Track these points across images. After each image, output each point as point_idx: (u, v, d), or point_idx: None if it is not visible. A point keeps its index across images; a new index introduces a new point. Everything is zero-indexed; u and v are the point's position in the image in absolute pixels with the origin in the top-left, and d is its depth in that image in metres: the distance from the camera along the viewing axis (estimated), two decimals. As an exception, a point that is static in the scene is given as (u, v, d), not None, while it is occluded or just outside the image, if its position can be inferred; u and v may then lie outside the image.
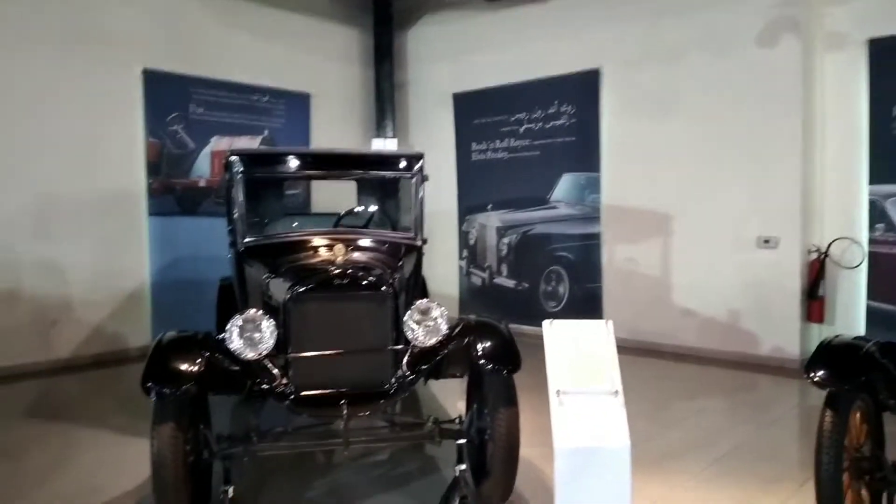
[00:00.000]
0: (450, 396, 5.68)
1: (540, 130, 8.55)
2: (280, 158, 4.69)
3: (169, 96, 7.86)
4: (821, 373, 2.83)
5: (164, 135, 7.86)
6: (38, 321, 6.90)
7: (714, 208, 7.21)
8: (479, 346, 3.42)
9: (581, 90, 8.14)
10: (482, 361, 3.40)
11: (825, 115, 6.84)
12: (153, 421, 3.09)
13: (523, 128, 8.70)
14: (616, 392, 2.97)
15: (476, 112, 9.16)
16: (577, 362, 3.05)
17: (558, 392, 2.96)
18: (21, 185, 6.79)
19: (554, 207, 8.45)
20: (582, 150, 8.18)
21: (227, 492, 3.30)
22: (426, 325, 3.48)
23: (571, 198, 8.31)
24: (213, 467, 3.50)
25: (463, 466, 3.55)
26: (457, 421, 3.66)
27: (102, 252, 7.35)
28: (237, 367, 3.40)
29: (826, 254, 6.76)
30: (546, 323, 3.10)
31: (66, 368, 6.97)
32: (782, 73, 6.71)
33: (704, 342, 7.31)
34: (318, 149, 5.40)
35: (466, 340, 3.51)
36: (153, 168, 7.78)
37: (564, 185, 8.37)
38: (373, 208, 5.75)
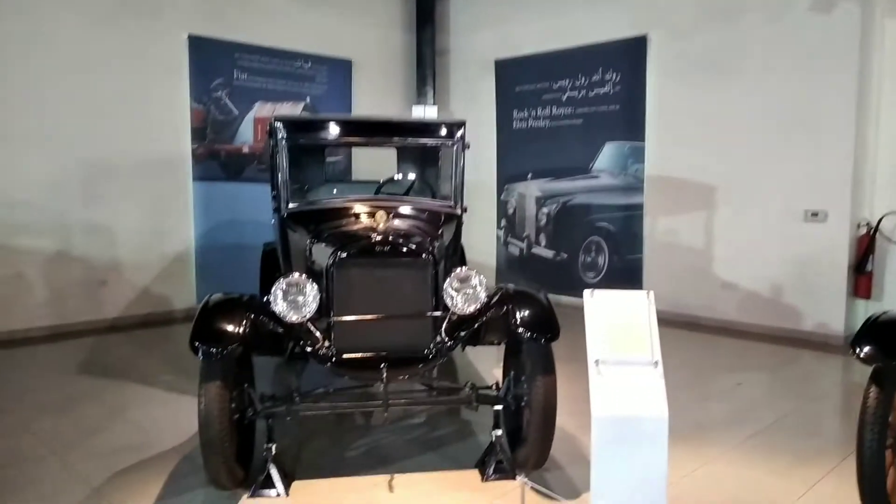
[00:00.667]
0: (485, 364, 5.74)
1: (583, 98, 8.41)
2: (323, 125, 4.71)
3: (213, 62, 7.94)
4: (867, 348, 2.78)
5: (208, 101, 7.97)
6: (88, 282, 7.14)
7: (761, 180, 7.04)
8: (518, 315, 3.44)
9: (627, 57, 7.96)
10: (521, 330, 3.41)
11: (882, 85, 6.58)
12: (200, 379, 3.19)
13: (566, 95, 8.58)
14: (656, 363, 2.96)
15: (518, 79, 9.05)
16: (618, 332, 3.04)
17: (597, 362, 2.96)
18: (71, 149, 6.97)
19: (595, 177, 8.35)
20: (626, 119, 8.04)
21: (270, 449, 3.42)
22: (465, 292, 3.50)
23: (614, 167, 8.20)
24: (255, 425, 3.62)
25: (499, 432, 3.62)
26: (494, 387, 3.71)
27: (149, 215, 7.54)
28: (280, 330, 3.48)
29: (876, 229, 6.57)
30: (587, 292, 3.09)
31: (115, 328, 7.23)
32: (839, 38, 6.46)
33: (746, 316, 7.21)
34: (361, 116, 5.41)
35: (505, 309, 3.53)
36: (198, 134, 7.90)
37: (607, 155, 8.25)
38: (412, 176, 5.76)
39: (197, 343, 3.17)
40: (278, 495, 3.38)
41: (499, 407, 3.62)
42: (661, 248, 7.85)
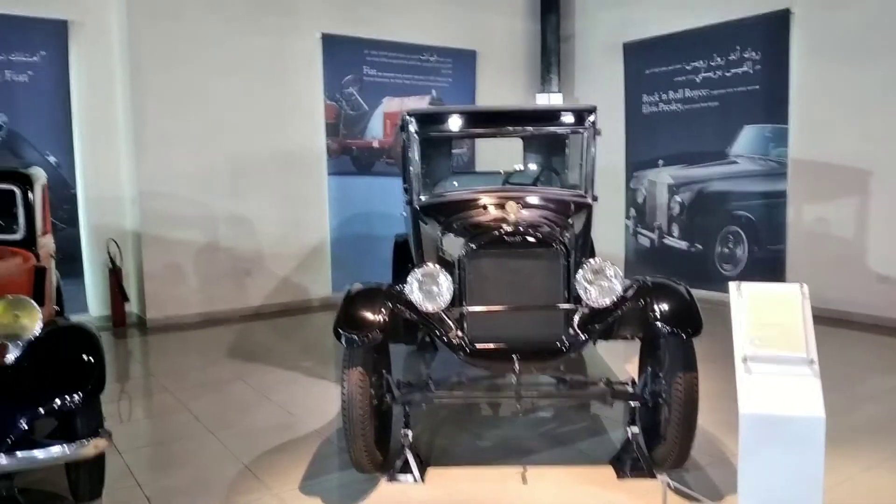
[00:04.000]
0: (614, 358, 5.60)
1: (719, 79, 7.97)
2: (454, 117, 4.75)
3: (345, 59, 8.23)
4: None
5: (340, 97, 8.27)
6: (234, 272, 7.64)
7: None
8: (657, 308, 3.31)
9: (767, 34, 7.46)
10: (660, 323, 3.29)
11: None
12: (343, 365, 3.32)
13: (700, 77, 8.17)
14: (811, 360, 2.76)
15: (648, 61, 8.72)
16: (767, 328, 2.86)
17: (745, 358, 2.81)
18: (217, 146, 7.47)
19: (733, 162, 7.90)
20: (767, 100, 7.54)
21: (407, 435, 3.51)
22: (600, 284, 3.42)
23: (753, 152, 7.72)
24: (392, 411, 3.73)
25: (635, 429, 3.51)
26: (629, 383, 3.61)
27: (288, 208, 7.95)
28: (416, 319, 3.56)
29: None
30: (733, 285, 2.93)
31: (258, 315, 7.69)
32: None
33: (907, 312, 6.58)
34: (490, 106, 5.42)
35: (642, 302, 3.41)
36: (331, 129, 8.23)
37: (746, 138, 7.78)
38: (533, 166, 5.71)
39: (341, 330, 3.29)
40: (415, 481, 3.47)
41: (635, 403, 3.51)
42: (806, 239, 7.31)
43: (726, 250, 8.00)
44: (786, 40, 7.29)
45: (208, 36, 7.33)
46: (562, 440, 4.05)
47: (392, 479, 3.48)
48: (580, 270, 3.44)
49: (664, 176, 8.59)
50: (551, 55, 9.56)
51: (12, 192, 4.17)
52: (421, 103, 8.73)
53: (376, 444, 3.44)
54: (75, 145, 7.02)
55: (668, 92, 8.54)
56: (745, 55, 7.71)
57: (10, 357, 3.05)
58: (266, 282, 7.86)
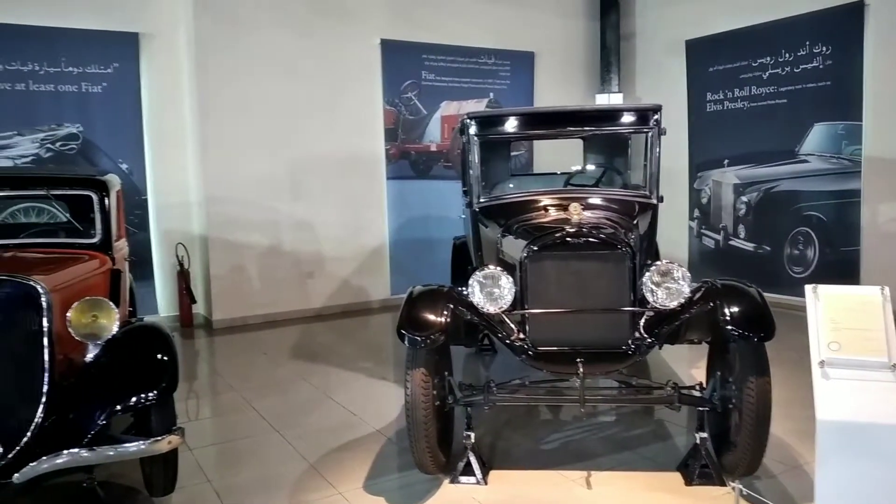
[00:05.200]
0: (678, 362, 5.47)
1: (787, 76, 7.71)
2: (514, 119, 4.73)
3: (403, 64, 8.31)
4: None
5: (399, 102, 8.35)
6: (296, 274, 7.79)
7: None
8: (728, 311, 3.21)
9: (839, 28, 7.17)
10: (730, 327, 3.18)
11: None
12: (406, 366, 3.34)
13: (767, 73, 7.91)
14: (894, 365, 2.64)
15: (712, 59, 8.50)
16: (845, 332, 2.75)
17: (822, 363, 2.70)
18: (280, 151, 7.63)
19: (803, 161, 7.61)
20: (839, 97, 7.24)
21: (469, 437, 3.51)
22: (667, 286, 3.34)
23: (825, 150, 7.42)
24: (453, 413, 3.73)
25: (704, 435, 3.42)
26: (697, 388, 3.52)
27: (348, 212, 8.06)
28: (477, 320, 3.55)
29: None
30: (808, 288, 2.82)
31: (319, 317, 7.82)
32: None
33: None
34: (553, 107, 5.37)
35: (711, 304, 3.32)
36: (390, 134, 8.31)
37: (816, 136, 7.49)
38: (591, 167, 5.63)
39: (404, 331, 3.31)
40: (477, 483, 3.46)
41: (704, 409, 3.42)
42: (883, 240, 6.98)
43: (796, 252, 7.72)
44: (859, 33, 6.99)
45: (271, 45, 7.50)
46: (625, 445, 3.98)
47: (455, 480, 3.49)
48: (647, 273, 3.37)
49: (730, 176, 8.35)
50: (611, 55, 9.42)
51: (90, 197, 4.35)
52: (478, 106, 8.72)
53: (439, 445, 3.45)
54: (146, 153, 7.29)
55: (733, 90, 8.31)
56: (815, 50, 7.43)
57: (90, 356, 3.18)
58: (327, 284, 7.99)
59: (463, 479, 3.48)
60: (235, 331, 7.27)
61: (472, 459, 3.50)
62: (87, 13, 6.88)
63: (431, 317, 3.34)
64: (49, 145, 6.84)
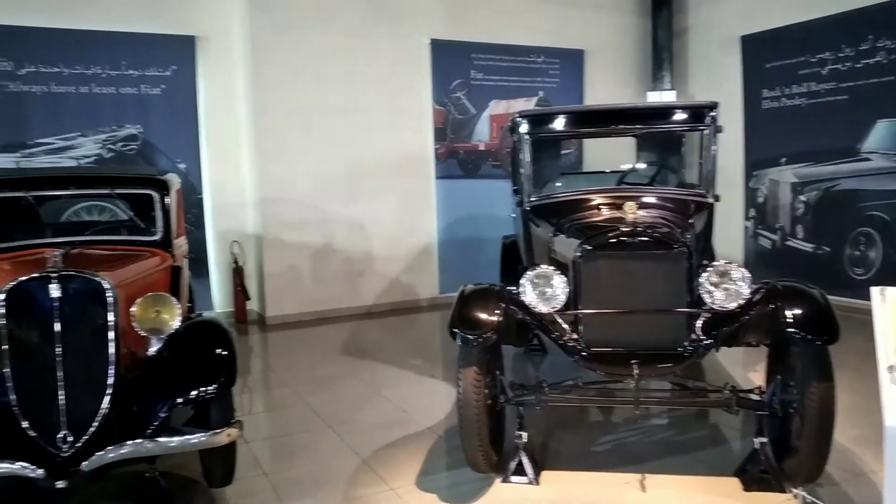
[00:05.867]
0: (733, 365, 5.35)
1: (849, 71, 7.45)
2: (565, 117, 4.70)
3: (452, 64, 8.32)
4: None
5: (448, 101, 8.37)
6: (348, 272, 7.89)
7: None
8: (790, 313, 3.12)
9: (906, 20, 6.90)
10: (792, 329, 3.10)
11: None
12: (458, 364, 3.35)
13: (826, 69, 7.66)
14: (970, 373, 2.53)
15: (769, 54, 8.27)
16: (916, 336, 2.64)
17: (891, 368, 2.60)
18: (332, 152, 7.73)
19: (866, 159, 7.35)
20: (905, 92, 6.97)
21: (521, 436, 3.50)
22: (726, 287, 3.27)
23: (890, 147, 7.14)
24: (505, 412, 3.71)
25: (764, 439, 3.34)
26: (756, 391, 3.43)
27: (398, 212, 8.12)
28: (528, 320, 3.53)
29: None
30: (875, 290, 2.71)
31: (369, 314, 7.89)
32: None
33: None
34: (606, 105, 5.32)
35: (772, 306, 3.23)
36: (439, 134, 8.34)
37: (880, 133, 7.22)
38: (642, 165, 5.54)
39: (456, 329, 3.32)
40: (529, 483, 3.45)
41: (763, 413, 3.33)
42: (952, 240, 6.70)
43: (857, 253, 7.46)
44: (927, 26, 6.73)
45: (324, 46, 7.60)
46: (680, 448, 3.91)
47: (506, 479, 3.48)
48: (704, 273, 3.30)
49: (787, 174, 8.12)
50: (663, 51, 9.26)
51: (151, 196, 4.48)
52: (528, 105, 8.68)
53: (491, 444, 3.44)
54: (202, 153, 7.47)
55: (790, 86, 8.07)
56: (879, 44, 7.17)
57: (152, 350, 3.28)
58: (377, 282, 8.06)
59: (515, 478, 3.47)
60: (288, 327, 7.40)
61: (525, 459, 3.49)
62: (147, 18, 7.09)
63: (483, 315, 3.33)
64: (110, 146, 7.07)
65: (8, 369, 2.97)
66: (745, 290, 3.26)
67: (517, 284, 3.48)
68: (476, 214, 8.40)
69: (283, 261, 7.57)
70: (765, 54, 8.32)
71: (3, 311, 3.00)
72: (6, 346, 2.99)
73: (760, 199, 8.50)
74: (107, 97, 7.02)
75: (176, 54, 7.26)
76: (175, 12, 7.24)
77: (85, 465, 2.85)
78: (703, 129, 4.28)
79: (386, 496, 3.42)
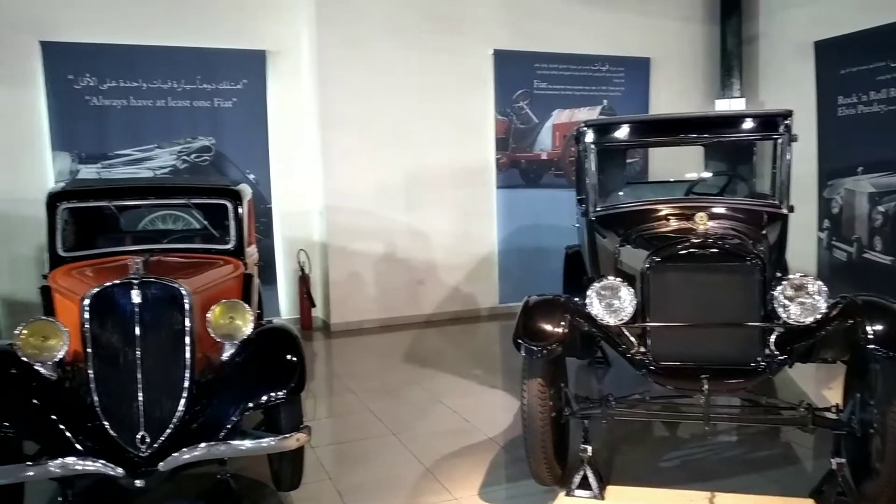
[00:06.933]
0: (807, 382, 5.15)
1: (932, 76, 7.11)
2: (632, 126, 4.64)
3: (515, 74, 8.32)
4: None
5: (510, 111, 8.37)
6: (409, 281, 7.96)
7: None
8: (871, 329, 2.99)
9: None
10: (873, 346, 2.97)
11: None
12: (523, 376, 3.34)
13: (908, 74, 7.33)
14: None
15: (844, 60, 7.96)
16: None
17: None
18: (395, 162, 7.83)
19: (950, 168, 7.00)
20: None
21: (586, 450, 3.45)
22: (801, 301, 3.16)
23: (977, 156, 6.79)
24: (569, 425, 3.68)
25: (841, 460, 3.21)
26: (833, 409, 3.30)
27: (459, 221, 8.16)
28: (594, 332, 3.49)
29: None
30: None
31: (429, 323, 7.94)
32: None
33: None
34: (675, 114, 5.23)
35: (850, 322, 3.11)
36: (501, 143, 8.34)
37: (965, 141, 6.87)
38: (709, 175, 5.41)
39: (520, 341, 3.31)
40: (594, 497, 3.41)
41: (840, 432, 3.20)
42: None
43: (942, 267, 7.09)
44: None
45: (387, 59, 7.72)
46: (751, 466, 3.79)
47: (570, 493, 3.45)
48: (779, 286, 3.20)
49: (864, 184, 7.78)
50: (732, 59, 9.04)
51: (225, 206, 4.64)
52: (591, 114, 8.60)
53: (555, 456, 3.42)
54: (271, 164, 7.68)
55: (868, 93, 7.75)
56: (966, 46, 6.82)
57: (226, 355, 3.38)
58: (438, 291, 8.11)
59: (579, 492, 3.43)
60: (351, 334, 7.52)
61: (589, 473, 3.44)
62: (221, 34, 7.35)
63: (548, 327, 3.32)
64: (185, 157, 7.35)
65: (91, 371, 3.12)
66: (822, 305, 3.15)
67: (581, 295, 3.45)
68: (537, 224, 8.36)
69: (346, 269, 7.70)
70: (840, 60, 8.01)
71: (88, 315, 3.16)
72: (90, 349, 3.14)
73: (835, 210, 8.17)
74: (182, 110, 7.30)
75: (247, 68, 7.49)
76: (247, 28, 7.49)
77: (161, 465, 2.96)
78: (777, 138, 4.16)
79: (450, 505, 3.44)
